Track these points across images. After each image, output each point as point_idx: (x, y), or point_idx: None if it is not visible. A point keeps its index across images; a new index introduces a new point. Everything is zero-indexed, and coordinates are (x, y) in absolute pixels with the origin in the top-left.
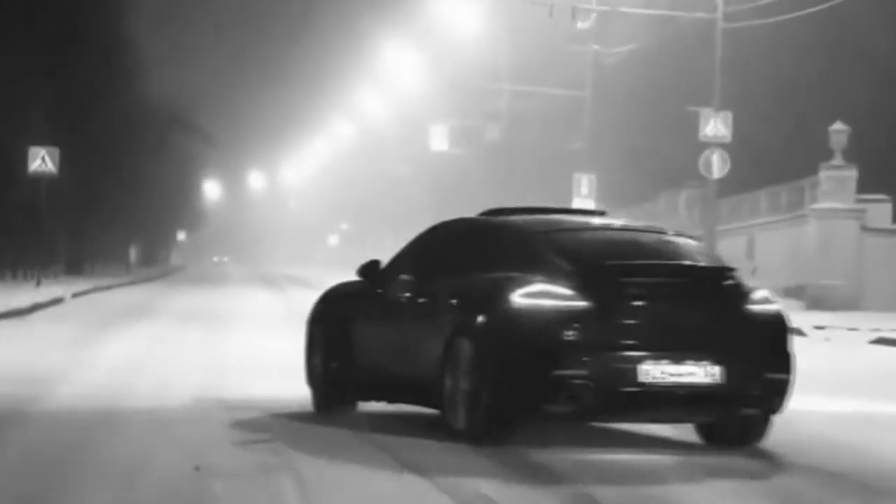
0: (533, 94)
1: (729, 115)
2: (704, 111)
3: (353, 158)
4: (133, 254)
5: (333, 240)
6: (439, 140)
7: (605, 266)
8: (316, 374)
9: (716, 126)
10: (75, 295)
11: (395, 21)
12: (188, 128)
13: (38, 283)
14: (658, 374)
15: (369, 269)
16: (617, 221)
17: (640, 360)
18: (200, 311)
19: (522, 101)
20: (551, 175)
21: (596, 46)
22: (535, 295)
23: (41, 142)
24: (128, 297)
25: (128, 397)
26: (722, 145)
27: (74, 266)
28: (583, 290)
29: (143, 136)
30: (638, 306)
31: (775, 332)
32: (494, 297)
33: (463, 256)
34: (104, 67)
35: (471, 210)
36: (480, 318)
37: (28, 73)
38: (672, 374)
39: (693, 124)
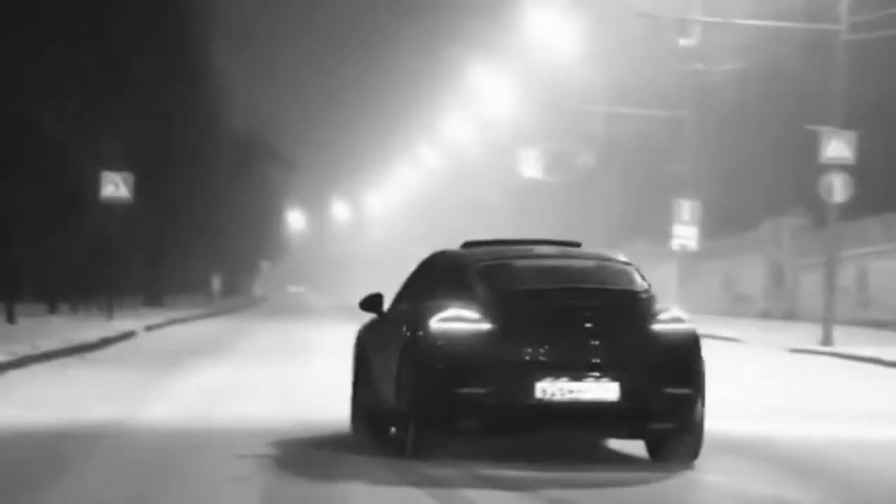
0: (630, 116)
1: (853, 135)
2: (825, 131)
3: (439, 186)
4: (216, 284)
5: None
6: (531, 166)
7: (513, 291)
8: (352, 406)
9: (838, 147)
10: (149, 328)
11: (484, 44)
12: (270, 153)
13: (111, 316)
14: (555, 391)
15: (370, 302)
16: (571, 251)
17: (538, 377)
18: (278, 344)
19: (618, 123)
20: (650, 201)
21: (699, 65)
22: (448, 319)
23: (116, 167)
24: (203, 331)
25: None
26: (844, 167)
27: (153, 297)
28: (489, 313)
29: (224, 161)
30: (541, 328)
31: (679, 349)
32: (418, 324)
33: (426, 286)
34: (185, 91)
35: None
36: (407, 343)
37: (102, 95)
38: (569, 391)
39: (803, 145)
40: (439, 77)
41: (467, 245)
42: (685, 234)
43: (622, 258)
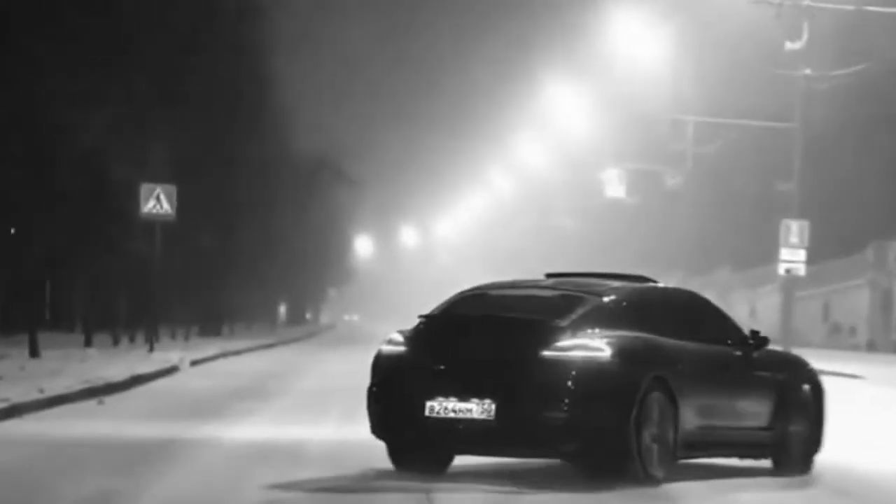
0: (722, 131)
1: None
2: None
3: (511, 210)
4: (282, 312)
5: None
6: (614, 186)
7: (433, 318)
8: None
9: None
10: (195, 362)
11: (560, 56)
12: (337, 173)
13: (152, 349)
14: (441, 410)
15: None
16: (546, 283)
17: (430, 397)
18: (339, 382)
19: (708, 139)
20: (744, 223)
21: (808, 70)
22: (387, 342)
23: (167, 181)
24: (256, 366)
25: None
26: None
27: (210, 327)
28: (408, 338)
29: (290, 181)
30: (439, 351)
31: (565, 375)
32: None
33: None
34: (246, 103)
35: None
36: None
37: (155, 108)
38: (453, 410)
39: None
40: (512, 95)
41: (548, 276)
42: (793, 258)
43: (603, 291)
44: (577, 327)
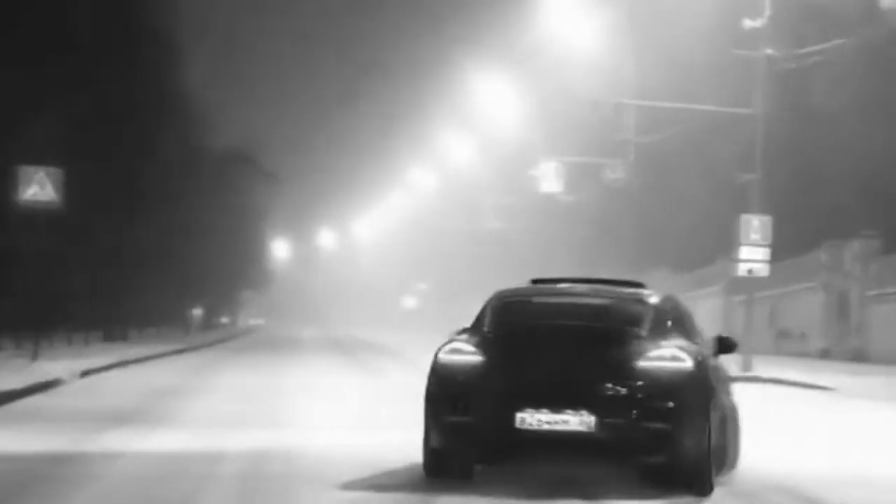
0: (671, 117)
1: None
2: None
3: (435, 212)
4: (196, 316)
5: (410, 301)
6: (550, 181)
7: (506, 326)
8: None
9: None
10: (86, 373)
11: (488, 48)
12: (252, 167)
13: (35, 357)
14: (534, 422)
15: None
16: (598, 290)
17: (518, 408)
18: (251, 397)
19: (655, 128)
20: (706, 218)
21: (769, 51)
22: (451, 352)
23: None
24: (155, 378)
25: None
26: None
27: (115, 332)
28: (483, 347)
29: (200, 173)
30: (525, 361)
31: (665, 385)
32: (434, 356)
33: (473, 322)
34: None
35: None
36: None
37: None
38: (547, 422)
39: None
40: (435, 89)
41: (534, 282)
42: (754, 257)
43: (651, 297)
44: (653, 336)
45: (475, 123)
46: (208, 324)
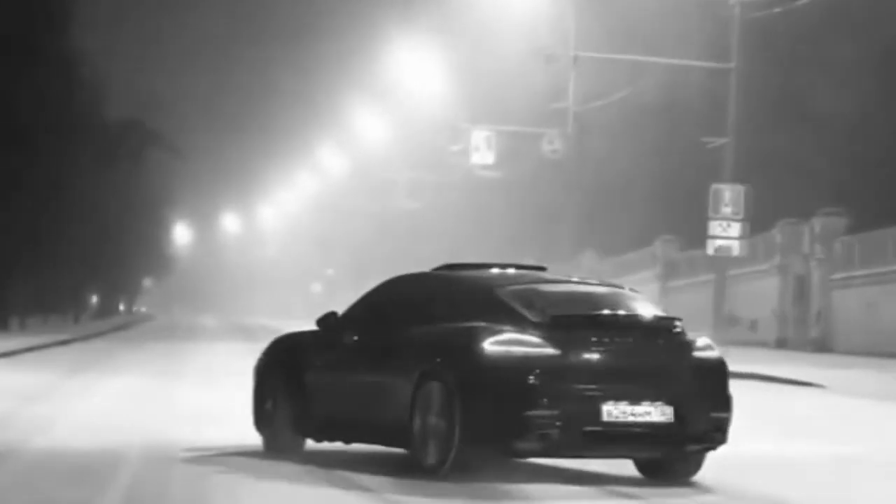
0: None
1: None
2: None
3: (345, 191)
4: (92, 303)
5: (317, 287)
6: (482, 151)
7: (568, 317)
8: (267, 418)
9: None
10: None
11: (401, 10)
12: (150, 136)
13: None
14: (618, 414)
15: (328, 320)
16: (582, 278)
17: (602, 401)
18: (118, 422)
19: (603, 92)
20: (649, 193)
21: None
22: (506, 343)
23: None
24: (16, 380)
25: None
26: None
27: None
28: (549, 338)
29: (91, 144)
30: (599, 353)
31: (718, 375)
32: (467, 345)
33: (426, 309)
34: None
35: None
36: (453, 364)
37: None
38: (631, 414)
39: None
40: (346, 55)
41: (446, 267)
42: (726, 234)
43: (625, 286)
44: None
45: (389, 95)
46: (104, 312)
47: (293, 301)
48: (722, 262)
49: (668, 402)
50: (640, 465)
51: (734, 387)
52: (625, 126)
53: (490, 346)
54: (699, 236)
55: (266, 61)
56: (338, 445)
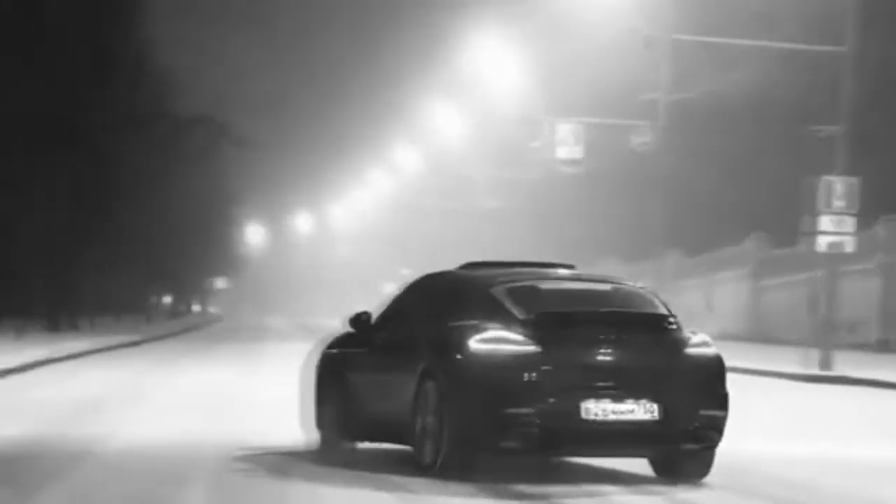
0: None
1: None
2: None
3: (419, 191)
4: (164, 304)
5: (390, 287)
6: (569, 144)
7: (553, 314)
8: (321, 418)
9: None
10: None
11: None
12: (220, 130)
13: None
14: (599, 412)
15: (358, 320)
16: (584, 275)
17: (582, 398)
18: (188, 439)
19: (695, 82)
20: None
21: None
22: (490, 340)
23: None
24: (74, 387)
25: None
26: None
27: (59, 320)
28: (532, 336)
29: (161, 139)
30: (582, 350)
31: (711, 372)
32: (455, 343)
33: (434, 307)
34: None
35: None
36: (442, 363)
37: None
38: (613, 412)
39: None
40: (423, 52)
41: (469, 266)
42: (839, 229)
43: (632, 282)
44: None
45: (468, 89)
46: (176, 312)
47: (365, 302)
48: (829, 259)
49: (654, 400)
50: (653, 465)
51: (854, 393)
52: (716, 116)
53: (475, 344)
54: (792, 233)
55: (337, 57)
56: (388, 446)
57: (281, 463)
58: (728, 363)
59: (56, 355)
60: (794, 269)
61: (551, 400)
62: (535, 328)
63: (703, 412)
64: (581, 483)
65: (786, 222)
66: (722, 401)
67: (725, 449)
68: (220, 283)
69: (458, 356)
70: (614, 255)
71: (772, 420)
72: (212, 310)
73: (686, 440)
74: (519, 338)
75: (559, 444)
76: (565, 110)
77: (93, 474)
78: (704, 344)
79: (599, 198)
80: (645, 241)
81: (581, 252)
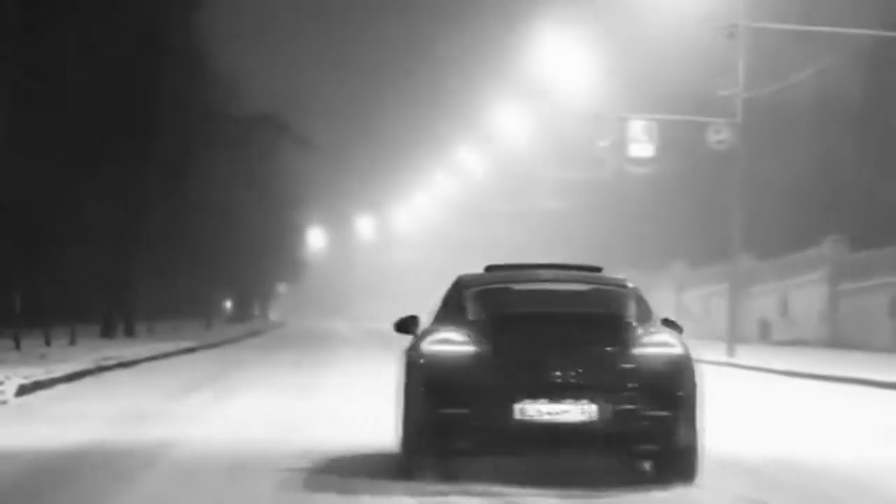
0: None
1: None
2: None
3: (484, 193)
4: (226, 309)
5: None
6: (642, 142)
7: (500, 315)
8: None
9: None
10: (25, 389)
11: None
12: (281, 129)
13: None
14: (534, 413)
15: (405, 324)
16: (572, 275)
17: (518, 399)
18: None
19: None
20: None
21: None
22: (439, 342)
23: None
24: (129, 397)
25: None
26: None
27: (116, 326)
28: (476, 337)
29: (225, 140)
30: (524, 351)
31: (663, 373)
32: (413, 345)
33: (440, 310)
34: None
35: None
36: (405, 366)
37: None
38: (547, 413)
39: None
40: (488, 53)
41: (489, 269)
42: None
43: (624, 282)
44: (641, 322)
45: (535, 91)
46: (237, 317)
47: (430, 306)
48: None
49: (592, 401)
50: (649, 464)
51: None
52: (795, 112)
53: (426, 346)
54: (873, 235)
55: (399, 57)
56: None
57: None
58: (811, 370)
59: (103, 363)
60: (877, 273)
61: (487, 400)
62: (482, 329)
63: (650, 413)
64: (572, 486)
65: (867, 224)
66: (674, 401)
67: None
68: (281, 287)
69: (411, 358)
70: (683, 258)
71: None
72: (272, 315)
73: (628, 442)
74: (462, 338)
75: (493, 444)
76: (637, 110)
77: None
78: (663, 344)
79: (668, 199)
80: (715, 243)
81: (648, 255)
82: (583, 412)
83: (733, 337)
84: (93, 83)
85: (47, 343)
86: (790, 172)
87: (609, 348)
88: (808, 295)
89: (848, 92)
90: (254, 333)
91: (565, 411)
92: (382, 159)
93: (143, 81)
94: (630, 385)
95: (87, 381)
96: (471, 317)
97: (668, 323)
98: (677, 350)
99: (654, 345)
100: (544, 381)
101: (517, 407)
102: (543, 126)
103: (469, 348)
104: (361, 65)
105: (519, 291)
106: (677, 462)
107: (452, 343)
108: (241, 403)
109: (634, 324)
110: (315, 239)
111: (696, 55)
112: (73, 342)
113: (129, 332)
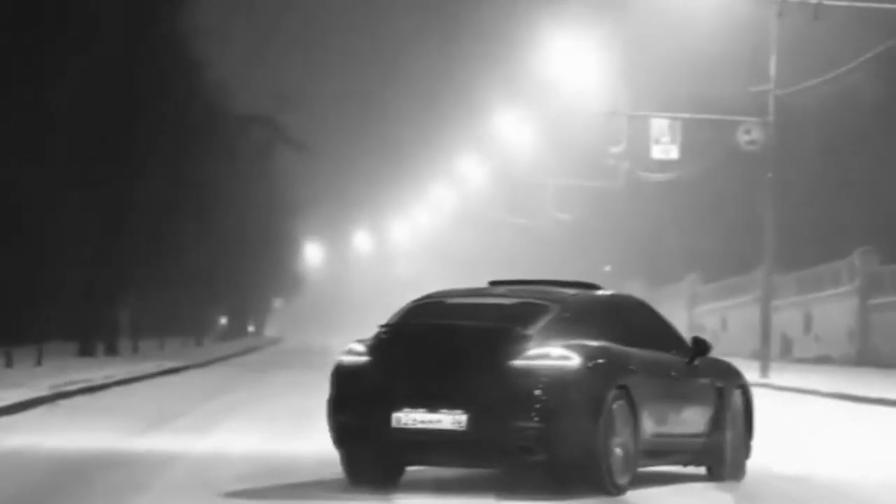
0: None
1: None
2: None
3: (486, 204)
4: (220, 324)
5: None
6: (664, 143)
7: (392, 326)
8: None
9: None
10: None
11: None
12: (277, 132)
13: None
14: (408, 422)
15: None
16: (509, 290)
17: (397, 408)
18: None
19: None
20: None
21: None
22: (346, 353)
23: None
24: (80, 436)
25: None
26: None
27: (101, 342)
28: (370, 348)
29: (218, 143)
30: (404, 361)
31: (540, 383)
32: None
33: None
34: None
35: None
36: None
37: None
38: (421, 422)
39: None
40: (490, 53)
41: (492, 284)
42: None
43: (566, 298)
44: (543, 336)
45: (538, 95)
46: (231, 333)
47: None
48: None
49: (465, 410)
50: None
51: None
52: (824, 113)
53: (343, 357)
54: None
55: (395, 65)
56: None
57: None
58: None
59: (63, 390)
60: None
61: (369, 408)
62: (381, 340)
63: (518, 423)
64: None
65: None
66: (549, 413)
67: None
68: (277, 302)
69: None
70: (695, 271)
71: None
72: (268, 331)
73: (495, 451)
74: (361, 349)
75: (373, 451)
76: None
77: None
78: (544, 357)
79: (686, 209)
80: (734, 254)
81: (661, 268)
82: (454, 421)
83: (767, 355)
84: (80, 93)
85: (8, 364)
86: (816, 178)
87: (486, 359)
88: (834, 310)
89: (880, 96)
90: (247, 351)
91: (438, 420)
92: (380, 173)
93: (133, 88)
94: (502, 396)
95: (35, 413)
96: (380, 328)
97: (697, 342)
98: (567, 362)
99: (539, 357)
100: (422, 390)
101: (395, 415)
102: (549, 132)
103: (363, 358)
104: (362, 66)
105: (449, 305)
106: (578, 474)
107: (353, 353)
108: (217, 441)
109: (530, 336)
110: (312, 253)
111: (719, 51)
112: (39, 363)
113: (112, 351)
